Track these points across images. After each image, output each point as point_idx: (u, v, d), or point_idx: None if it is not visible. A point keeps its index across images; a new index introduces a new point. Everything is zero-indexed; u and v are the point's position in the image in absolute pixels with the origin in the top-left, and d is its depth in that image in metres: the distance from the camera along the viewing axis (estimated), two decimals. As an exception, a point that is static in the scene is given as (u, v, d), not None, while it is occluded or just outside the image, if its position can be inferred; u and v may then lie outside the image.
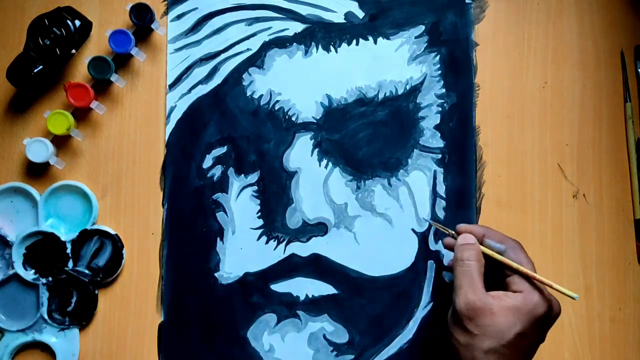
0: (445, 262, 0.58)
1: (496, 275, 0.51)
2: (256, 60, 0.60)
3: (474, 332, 0.47)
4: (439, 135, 0.60)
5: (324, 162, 0.59)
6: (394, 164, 0.59)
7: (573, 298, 0.48)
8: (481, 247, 0.52)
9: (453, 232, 0.54)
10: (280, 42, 0.60)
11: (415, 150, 0.59)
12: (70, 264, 0.58)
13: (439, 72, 0.60)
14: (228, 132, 0.59)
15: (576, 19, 0.61)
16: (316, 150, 0.59)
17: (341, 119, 0.59)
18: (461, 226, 0.54)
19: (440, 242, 0.59)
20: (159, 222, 0.59)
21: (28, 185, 0.58)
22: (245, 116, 0.59)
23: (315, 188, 0.59)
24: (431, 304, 0.58)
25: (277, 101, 0.59)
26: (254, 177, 0.59)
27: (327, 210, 0.59)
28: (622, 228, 0.59)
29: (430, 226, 0.59)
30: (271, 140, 0.59)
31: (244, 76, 0.60)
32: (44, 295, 0.57)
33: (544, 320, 0.48)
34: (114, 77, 0.58)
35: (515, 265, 0.50)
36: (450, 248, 0.54)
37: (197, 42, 0.60)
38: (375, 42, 0.60)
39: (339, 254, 0.58)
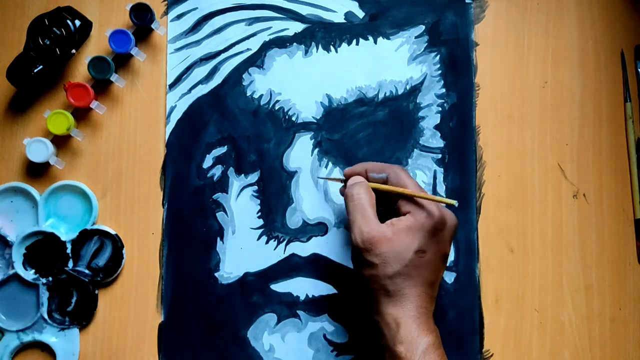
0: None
1: (390, 205, 0.52)
2: (256, 60, 0.60)
3: (375, 262, 0.48)
4: (439, 135, 0.60)
5: (324, 162, 0.59)
6: (394, 163, 0.59)
7: (453, 205, 0.48)
8: (368, 182, 0.53)
9: (343, 179, 0.55)
10: (280, 42, 0.60)
11: (415, 150, 0.59)
12: (70, 264, 0.58)
13: (439, 72, 0.60)
14: (228, 132, 0.59)
15: (576, 19, 0.61)
16: (316, 150, 0.59)
17: (341, 118, 0.59)
18: (346, 170, 0.55)
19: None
20: (159, 222, 0.59)
21: (28, 185, 0.58)
22: (245, 116, 0.59)
23: (315, 188, 0.59)
24: (431, 304, 0.58)
25: (277, 101, 0.59)
26: (254, 177, 0.59)
27: (327, 210, 0.59)
28: (622, 228, 0.60)
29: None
30: (271, 140, 0.59)
31: (244, 76, 0.60)
32: (44, 295, 0.57)
33: (438, 231, 0.49)
34: (114, 77, 0.58)
35: (395, 189, 0.51)
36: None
37: (197, 42, 0.60)
38: (375, 42, 0.60)
39: (339, 253, 0.58)
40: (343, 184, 0.55)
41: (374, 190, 0.52)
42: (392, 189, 0.51)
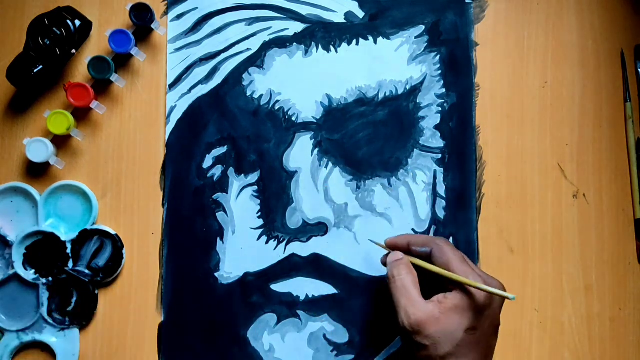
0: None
1: (436, 276, 0.50)
2: (256, 60, 0.60)
3: (426, 344, 0.46)
4: (439, 135, 0.60)
5: (324, 162, 0.59)
6: (394, 163, 0.59)
7: (508, 298, 0.46)
8: (410, 258, 0.51)
9: (385, 248, 0.54)
10: (280, 42, 0.60)
11: (415, 150, 0.59)
12: (70, 264, 0.58)
13: (439, 72, 0.60)
14: (228, 132, 0.59)
15: (576, 19, 0.61)
16: (316, 150, 0.59)
17: (341, 118, 0.59)
18: (388, 240, 0.54)
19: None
20: (159, 222, 0.59)
21: (28, 185, 0.58)
22: (245, 116, 0.59)
23: (315, 188, 0.59)
24: (431, 304, 0.58)
25: (277, 101, 0.59)
26: (254, 177, 0.59)
27: (327, 210, 0.59)
28: (622, 228, 0.60)
29: (430, 226, 0.59)
30: (271, 140, 0.59)
31: (244, 76, 0.60)
32: (44, 295, 0.57)
33: (487, 307, 0.47)
34: (114, 77, 0.58)
35: (440, 271, 0.48)
36: (385, 264, 0.53)
37: (197, 42, 0.60)
38: (375, 42, 0.60)
39: (339, 253, 0.58)
40: (385, 254, 0.54)
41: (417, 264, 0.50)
42: (437, 270, 0.49)
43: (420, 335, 0.47)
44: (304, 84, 0.60)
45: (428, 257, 0.51)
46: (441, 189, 0.59)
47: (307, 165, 0.59)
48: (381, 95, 0.60)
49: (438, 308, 0.47)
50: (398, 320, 0.48)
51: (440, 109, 0.60)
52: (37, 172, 0.59)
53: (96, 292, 0.58)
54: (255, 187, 0.59)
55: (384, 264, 0.53)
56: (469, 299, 0.47)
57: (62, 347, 0.57)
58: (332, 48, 0.60)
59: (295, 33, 0.60)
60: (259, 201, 0.59)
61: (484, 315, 0.47)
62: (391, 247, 0.54)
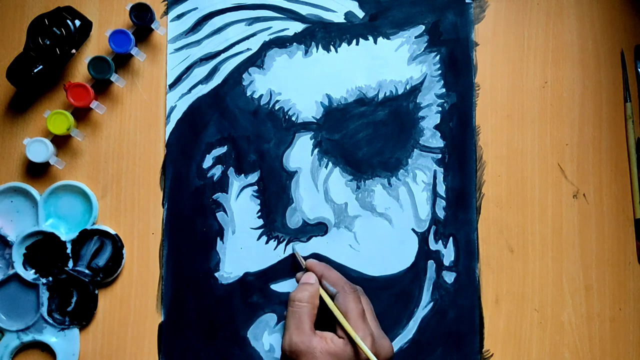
0: (446, 262, 0.58)
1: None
2: (256, 60, 0.60)
3: None
4: (439, 135, 0.60)
5: (324, 162, 0.59)
6: (394, 163, 0.59)
7: None
8: (319, 288, 0.53)
9: (304, 264, 0.56)
10: (280, 42, 0.60)
11: (415, 150, 0.59)
12: (70, 264, 0.58)
13: (439, 72, 0.60)
14: (228, 132, 0.59)
15: (576, 19, 0.61)
16: (316, 150, 0.59)
17: (341, 118, 0.59)
18: (308, 262, 0.55)
19: (440, 242, 0.59)
20: (159, 222, 0.59)
21: (28, 185, 0.58)
22: (245, 116, 0.60)
23: (315, 188, 0.59)
24: (431, 304, 0.58)
25: (277, 101, 0.59)
26: (254, 177, 0.59)
27: (327, 210, 0.59)
28: (622, 228, 0.60)
29: (430, 226, 0.59)
30: (271, 140, 0.59)
31: (244, 76, 0.60)
32: (44, 295, 0.57)
33: None
34: (114, 77, 0.58)
35: (336, 314, 0.51)
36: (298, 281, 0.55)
37: (197, 42, 0.60)
38: (375, 42, 0.60)
39: (339, 254, 0.58)
40: (301, 272, 0.56)
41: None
42: (334, 312, 0.51)
43: None
44: (304, 84, 0.60)
45: (333, 298, 0.52)
46: (441, 189, 0.59)
47: (307, 165, 0.59)
48: (381, 95, 0.60)
49: (319, 346, 0.49)
50: (282, 341, 0.51)
51: (440, 109, 0.60)
52: (37, 172, 0.59)
53: (96, 292, 0.58)
54: (255, 187, 0.59)
55: (298, 280, 0.55)
56: (348, 354, 0.49)
57: (62, 347, 0.57)
58: (332, 48, 0.60)
59: (295, 33, 0.60)
60: (259, 201, 0.59)
61: None
62: (309, 268, 0.55)
